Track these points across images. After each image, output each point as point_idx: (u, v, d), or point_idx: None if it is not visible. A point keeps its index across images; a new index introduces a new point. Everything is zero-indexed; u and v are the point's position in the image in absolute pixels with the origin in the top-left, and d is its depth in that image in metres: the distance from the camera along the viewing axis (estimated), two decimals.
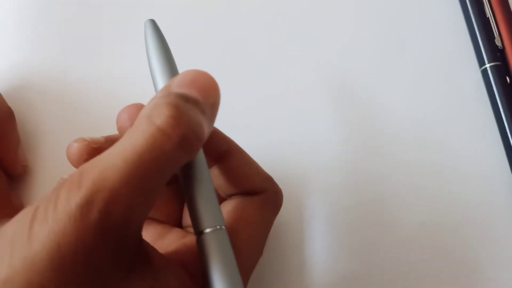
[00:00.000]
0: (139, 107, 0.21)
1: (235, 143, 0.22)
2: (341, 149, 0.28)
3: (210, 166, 0.22)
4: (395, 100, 0.29)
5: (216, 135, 0.22)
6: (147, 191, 0.16)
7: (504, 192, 0.27)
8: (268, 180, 0.23)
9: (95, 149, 0.21)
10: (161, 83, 0.20)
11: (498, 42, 0.29)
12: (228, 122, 0.23)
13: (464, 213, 0.26)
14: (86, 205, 0.15)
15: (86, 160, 0.21)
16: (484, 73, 0.28)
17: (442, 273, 0.25)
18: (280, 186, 0.23)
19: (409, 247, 0.26)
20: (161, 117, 0.16)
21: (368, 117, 0.28)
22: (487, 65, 0.28)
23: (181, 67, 0.20)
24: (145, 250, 0.18)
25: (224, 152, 0.22)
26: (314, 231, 0.26)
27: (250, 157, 0.23)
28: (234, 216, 0.21)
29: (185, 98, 0.17)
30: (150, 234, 0.23)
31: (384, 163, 0.27)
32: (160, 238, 0.23)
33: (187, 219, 0.24)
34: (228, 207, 0.22)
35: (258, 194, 0.22)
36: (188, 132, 0.17)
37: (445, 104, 0.28)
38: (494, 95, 0.28)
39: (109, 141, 0.22)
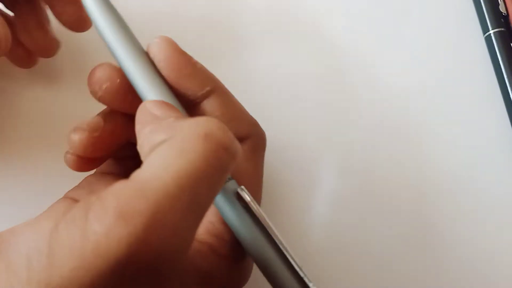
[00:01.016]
0: (114, 67, 0.20)
1: (220, 82, 0.20)
2: (345, 116, 0.27)
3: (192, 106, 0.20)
4: (398, 67, 0.28)
5: (202, 72, 0.20)
6: (203, 212, 0.15)
7: (507, 158, 0.27)
8: (253, 125, 0.21)
9: (97, 138, 0.20)
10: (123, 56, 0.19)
11: (502, 9, 0.29)
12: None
13: (467, 179, 0.26)
14: (134, 247, 0.13)
15: (92, 153, 0.20)
16: (488, 39, 0.28)
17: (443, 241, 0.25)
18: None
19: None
20: (219, 134, 0.15)
21: (371, 83, 0.28)
22: (491, 31, 0.28)
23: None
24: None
25: (208, 92, 0.20)
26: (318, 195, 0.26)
27: (235, 99, 0.21)
28: None
29: None
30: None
31: (387, 130, 0.27)
32: None
33: None
34: None
35: (245, 140, 0.21)
36: (237, 144, 0.16)
37: (449, 71, 0.28)
38: (498, 61, 0.28)
39: (109, 121, 0.20)
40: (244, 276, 0.20)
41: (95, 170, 0.23)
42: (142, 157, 0.16)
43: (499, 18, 0.28)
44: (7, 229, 0.15)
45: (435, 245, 0.25)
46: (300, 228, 0.25)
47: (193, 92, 0.20)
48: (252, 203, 0.18)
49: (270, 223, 0.18)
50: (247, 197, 0.18)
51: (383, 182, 0.26)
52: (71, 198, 0.22)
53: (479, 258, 0.25)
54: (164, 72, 0.19)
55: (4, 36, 0.20)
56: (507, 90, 0.27)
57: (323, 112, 0.27)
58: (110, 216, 0.13)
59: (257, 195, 0.21)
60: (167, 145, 0.15)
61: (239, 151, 0.16)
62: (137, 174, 0.14)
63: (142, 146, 0.16)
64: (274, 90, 0.27)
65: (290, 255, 0.17)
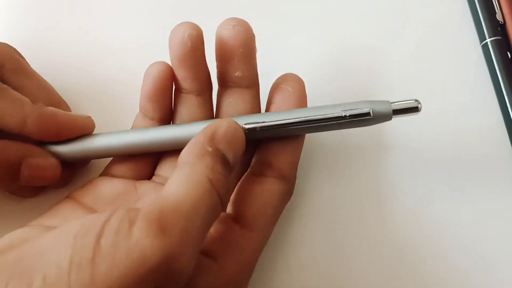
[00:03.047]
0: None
1: None
2: None
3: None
4: (395, 73, 0.28)
5: None
6: (204, 237, 0.18)
7: (505, 168, 0.26)
8: (295, 171, 0.24)
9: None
10: None
11: (499, 17, 0.29)
12: None
13: (466, 189, 0.26)
14: (170, 257, 0.15)
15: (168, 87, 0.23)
16: (485, 48, 0.28)
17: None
18: None
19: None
20: (220, 188, 0.18)
21: (369, 88, 0.28)
22: (488, 40, 0.28)
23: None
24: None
25: None
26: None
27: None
28: (262, 197, 0.22)
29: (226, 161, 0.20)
30: (117, 189, 0.23)
31: (383, 134, 0.27)
32: (129, 192, 0.23)
33: (163, 168, 0.25)
34: (257, 186, 0.22)
35: (286, 181, 0.23)
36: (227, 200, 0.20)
37: (445, 80, 0.28)
38: (495, 70, 0.28)
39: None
40: None
41: (100, 172, 0.25)
42: (178, 160, 0.19)
43: (496, 27, 0.28)
44: (25, 245, 0.16)
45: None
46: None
47: None
48: None
49: None
50: None
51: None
52: (76, 200, 0.22)
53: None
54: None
55: (52, 165, 0.23)
56: (504, 98, 0.27)
57: None
58: (154, 229, 0.15)
59: (269, 234, 0.23)
60: (189, 171, 0.18)
61: (226, 205, 0.19)
62: (167, 194, 0.17)
63: (182, 153, 0.19)
64: None
65: None
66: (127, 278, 0.15)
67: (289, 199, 0.24)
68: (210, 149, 0.19)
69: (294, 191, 0.24)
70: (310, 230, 0.25)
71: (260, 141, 0.24)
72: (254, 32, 0.23)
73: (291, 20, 0.30)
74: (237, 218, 0.21)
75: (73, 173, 0.26)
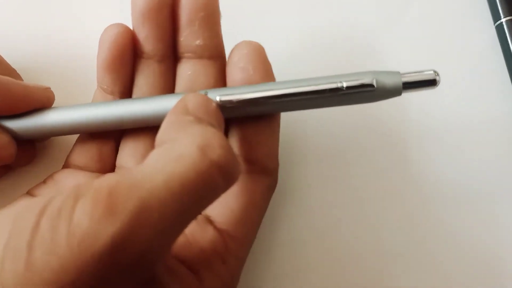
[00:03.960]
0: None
1: None
2: None
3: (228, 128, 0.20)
4: (406, 57, 0.26)
5: None
6: (183, 226, 0.14)
7: None
8: (276, 160, 0.20)
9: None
10: None
11: None
12: None
13: (479, 177, 0.24)
14: (119, 243, 0.12)
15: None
16: (499, 28, 0.26)
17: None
18: None
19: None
20: (217, 152, 0.14)
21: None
22: (503, 20, 0.26)
23: None
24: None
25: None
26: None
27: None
28: (243, 199, 0.19)
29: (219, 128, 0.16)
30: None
31: (392, 121, 0.25)
32: None
33: (123, 158, 0.21)
34: (235, 187, 0.19)
35: (267, 174, 0.19)
36: (237, 169, 0.15)
37: (457, 61, 0.26)
38: (510, 51, 0.26)
39: None
40: None
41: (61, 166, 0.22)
42: (155, 145, 0.16)
43: (511, 6, 0.26)
44: None
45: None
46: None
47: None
48: None
49: None
50: None
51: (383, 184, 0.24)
52: (34, 196, 0.20)
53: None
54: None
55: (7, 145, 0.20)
56: None
57: None
58: (100, 210, 0.12)
59: (253, 235, 0.20)
60: (169, 146, 0.14)
61: (235, 178, 0.15)
62: (133, 171, 0.14)
63: (158, 134, 0.16)
64: None
65: None
66: (65, 269, 0.12)
67: (272, 193, 0.21)
68: (191, 118, 0.16)
69: (282, 189, 0.21)
70: (300, 233, 0.23)
71: (227, 131, 0.20)
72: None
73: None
74: (217, 224, 0.19)
75: (35, 149, 0.23)
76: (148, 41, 0.20)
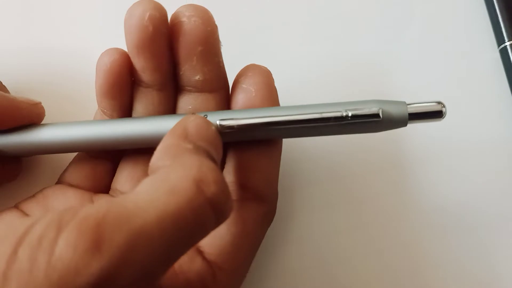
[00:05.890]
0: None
1: None
2: None
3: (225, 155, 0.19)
4: (410, 80, 0.26)
5: None
6: (171, 263, 0.14)
7: None
8: (275, 188, 0.20)
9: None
10: None
11: None
12: None
13: (481, 202, 0.24)
14: (102, 281, 0.11)
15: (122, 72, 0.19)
16: (503, 51, 0.26)
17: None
18: None
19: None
20: (212, 189, 0.14)
21: (375, 93, 0.26)
22: (507, 43, 0.26)
23: None
24: None
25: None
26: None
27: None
28: (235, 229, 0.18)
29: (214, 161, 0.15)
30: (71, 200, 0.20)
31: (394, 145, 0.25)
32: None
33: (119, 181, 0.21)
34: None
35: (263, 202, 0.19)
36: (230, 206, 0.15)
37: (461, 84, 0.26)
38: None
39: None
40: None
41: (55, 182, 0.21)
42: (149, 169, 0.15)
43: None
44: None
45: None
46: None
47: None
48: None
49: None
50: None
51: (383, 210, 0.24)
52: (22, 212, 0.19)
53: None
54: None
55: None
56: None
57: None
58: (86, 242, 0.11)
59: (247, 266, 0.19)
60: (164, 176, 0.14)
61: (227, 215, 0.15)
62: (125, 200, 0.13)
63: (153, 157, 0.15)
64: None
65: None
66: None
67: (269, 222, 0.20)
68: (189, 145, 0.15)
69: (277, 214, 0.20)
70: (298, 260, 0.23)
71: (225, 155, 0.20)
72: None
73: (284, 12, 0.28)
74: (206, 255, 0.18)
75: (21, 166, 0.22)
76: (145, 72, 0.19)
